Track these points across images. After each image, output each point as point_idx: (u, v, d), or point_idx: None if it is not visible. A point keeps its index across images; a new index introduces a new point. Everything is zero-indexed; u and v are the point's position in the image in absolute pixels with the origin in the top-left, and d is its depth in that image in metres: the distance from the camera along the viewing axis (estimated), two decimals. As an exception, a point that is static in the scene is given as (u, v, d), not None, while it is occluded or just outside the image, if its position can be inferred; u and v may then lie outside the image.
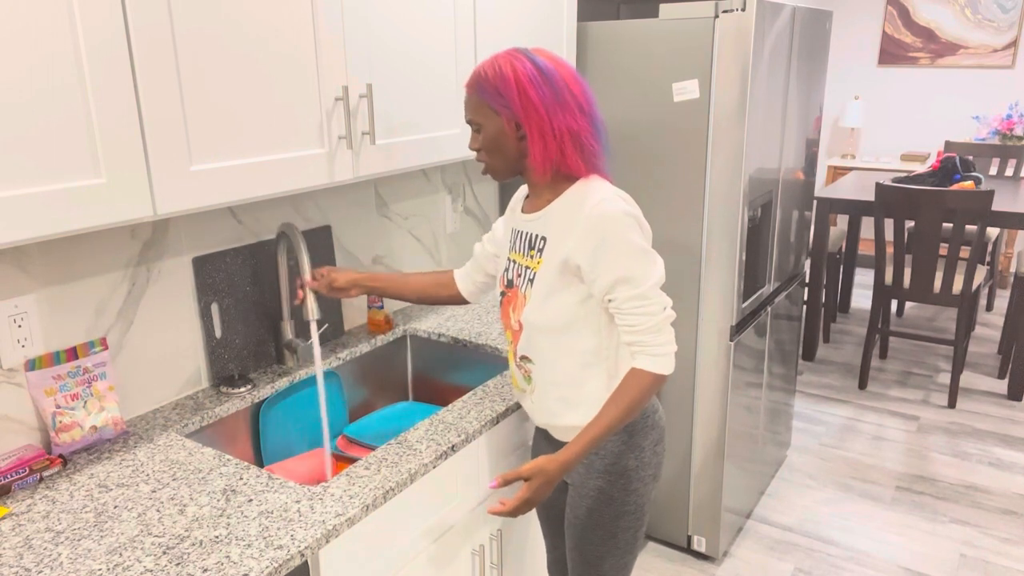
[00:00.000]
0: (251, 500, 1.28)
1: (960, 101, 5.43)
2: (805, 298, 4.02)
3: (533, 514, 1.85)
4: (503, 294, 1.49)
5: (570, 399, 1.42)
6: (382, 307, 2.05)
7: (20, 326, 1.37)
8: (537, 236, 1.40)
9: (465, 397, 1.68)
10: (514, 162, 1.37)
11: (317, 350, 1.59)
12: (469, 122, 1.37)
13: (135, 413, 1.58)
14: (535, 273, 1.38)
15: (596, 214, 1.30)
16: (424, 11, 1.72)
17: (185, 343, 1.66)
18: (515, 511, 1.33)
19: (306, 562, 1.20)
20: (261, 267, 1.79)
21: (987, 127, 5.28)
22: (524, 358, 1.45)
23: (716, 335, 2.31)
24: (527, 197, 1.47)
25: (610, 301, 1.33)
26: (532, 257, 1.40)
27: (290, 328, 1.82)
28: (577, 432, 1.42)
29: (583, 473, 1.47)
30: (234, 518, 1.23)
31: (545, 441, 1.58)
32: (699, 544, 2.52)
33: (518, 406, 1.67)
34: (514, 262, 1.46)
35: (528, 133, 1.31)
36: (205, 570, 1.10)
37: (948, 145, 4.83)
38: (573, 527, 1.51)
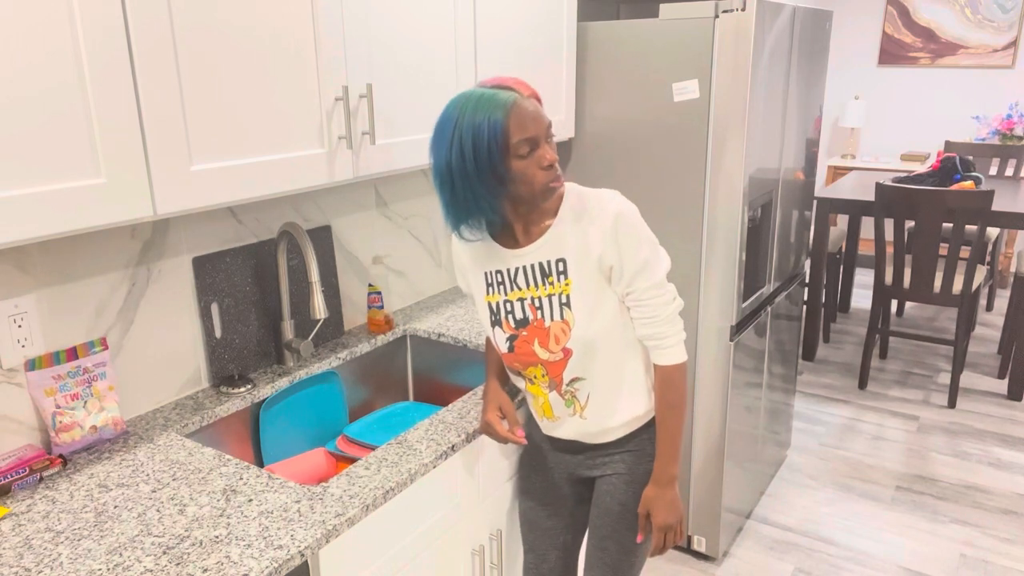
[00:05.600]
0: (251, 500, 1.28)
1: (960, 101, 5.43)
2: (805, 298, 4.02)
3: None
4: (513, 337, 1.44)
5: (624, 393, 1.45)
6: (382, 307, 2.05)
7: (20, 326, 1.37)
8: (550, 261, 1.38)
9: (465, 397, 1.68)
10: None
11: None
12: (549, 134, 1.31)
13: (135, 413, 1.58)
14: (567, 295, 1.37)
15: (612, 212, 1.33)
16: (424, 11, 1.72)
17: (185, 343, 1.66)
18: (665, 543, 1.48)
19: (306, 562, 1.20)
20: (261, 267, 1.79)
21: (987, 127, 5.28)
22: (575, 380, 1.43)
23: (716, 335, 2.31)
24: (498, 236, 1.41)
25: (628, 294, 1.36)
26: (553, 284, 1.38)
27: (290, 328, 1.82)
28: (629, 423, 1.47)
29: (632, 461, 1.49)
30: (234, 518, 1.23)
31: (567, 453, 1.56)
32: (699, 544, 2.52)
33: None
34: (520, 300, 1.41)
35: None
36: (205, 570, 1.10)
37: (948, 145, 4.83)
38: (611, 515, 1.51)
